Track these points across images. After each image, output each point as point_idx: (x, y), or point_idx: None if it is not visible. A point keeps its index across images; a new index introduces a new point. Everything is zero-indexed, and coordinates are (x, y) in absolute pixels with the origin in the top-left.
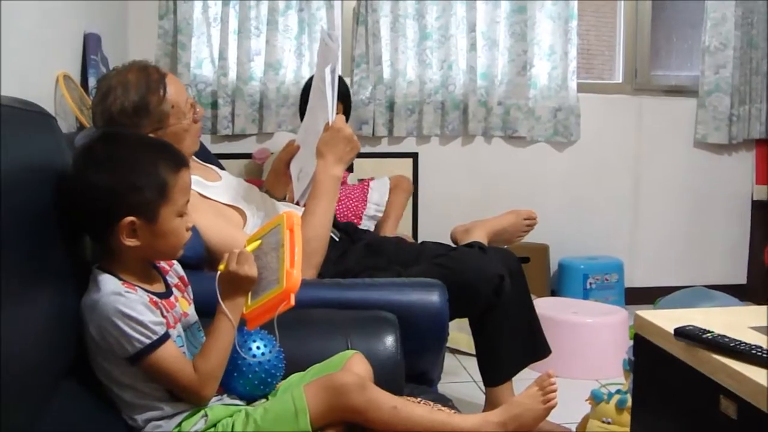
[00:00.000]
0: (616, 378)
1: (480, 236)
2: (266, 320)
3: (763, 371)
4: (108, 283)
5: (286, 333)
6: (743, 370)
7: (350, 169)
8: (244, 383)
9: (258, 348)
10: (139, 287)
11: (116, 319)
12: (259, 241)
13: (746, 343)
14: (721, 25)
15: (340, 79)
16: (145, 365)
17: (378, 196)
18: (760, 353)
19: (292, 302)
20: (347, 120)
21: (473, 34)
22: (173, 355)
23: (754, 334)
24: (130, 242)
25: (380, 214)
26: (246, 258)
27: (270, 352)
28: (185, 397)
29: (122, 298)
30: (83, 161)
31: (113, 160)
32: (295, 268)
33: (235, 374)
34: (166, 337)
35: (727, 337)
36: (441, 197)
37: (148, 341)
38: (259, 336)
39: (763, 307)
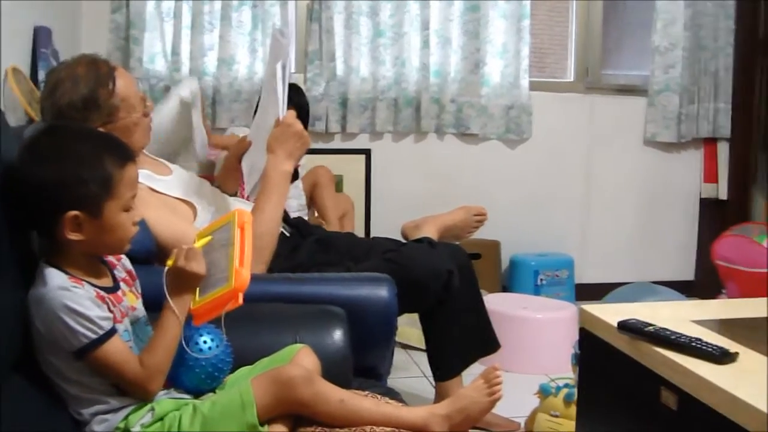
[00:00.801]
0: (565, 372)
1: (430, 232)
2: (213, 317)
3: (703, 363)
4: (54, 277)
5: (234, 327)
6: (684, 362)
7: (296, 175)
8: (191, 377)
9: (205, 342)
10: (86, 282)
11: (62, 314)
12: (209, 237)
13: (687, 336)
14: (671, 26)
15: (300, 90)
16: (91, 360)
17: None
18: (700, 345)
19: (240, 301)
20: (305, 126)
21: (426, 32)
22: (119, 349)
23: (696, 327)
24: (75, 236)
25: (304, 210)
26: (194, 254)
27: (217, 346)
28: (132, 391)
29: (68, 293)
30: (28, 154)
31: (58, 153)
32: (244, 267)
33: (182, 368)
34: (112, 332)
35: (669, 330)
36: (393, 193)
37: (94, 336)
38: (207, 330)
39: (706, 301)
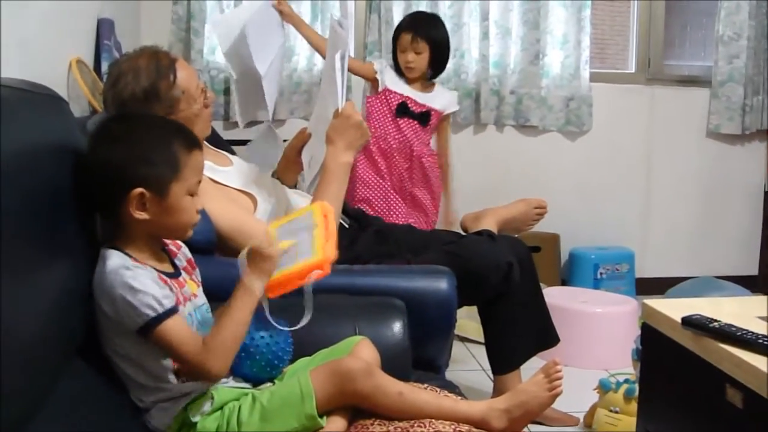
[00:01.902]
0: (625, 368)
1: (490, 224)
2: (295, 287)
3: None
4: (116, 257)
5: (294, 318)
6: (749, 359)
7: None
8: (251, 365)
9: (267, 331)
10: (148, 264)
11: (125, 292)
12: (284, 221)
13: (753, 333)
14: (735, 15)
15: (437, 23)
16: (154, 337)
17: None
18: (766, 342)
19: (328, 270)
20: (444, 61)
21: (486, 23)
22: (181, 327)
23: (761, 323)
24: (140, 215)
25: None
26: (272, 238)
27: (278, 334)
28: (193, 372)
29: (130, 272)
30: (98, 137)
31: (127, 135)
32: (329, 245)
33: (243, 355)
34: (174, 310)
35: (734, 327)
36: (453, 185)
37: (154, 313)
38: (269, 321)
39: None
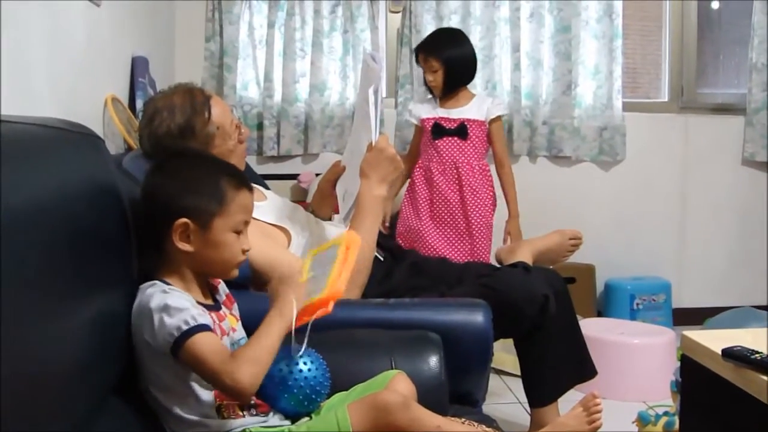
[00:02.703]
0: (663, 400)
1: (525, 256)
2: (302, 323)
3: None
4: (156, 285)
5: (330, 352)
6: None
7: None
8: (288, 398)
9: (305, 364)
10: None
11: (160, 310)
12: (319, 249)
13: None
14: None
15: (455, 38)
16: (184, 354)
17: None
18: None
19: (330, 309)
20: (471, 75)
21: (517, 54)
22: (212, 341)
23: None
24: (183, 246)
25: None
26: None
27: (317, 368)
28: (221, 385)
29: (167, 295)
30: (153, 170)
31: (178, 169)
32: (341, 280)
33: (281, 389)
34: (207, 327)
35: None
36: None
37: (187, 326)
38: (307, 353)
39: None
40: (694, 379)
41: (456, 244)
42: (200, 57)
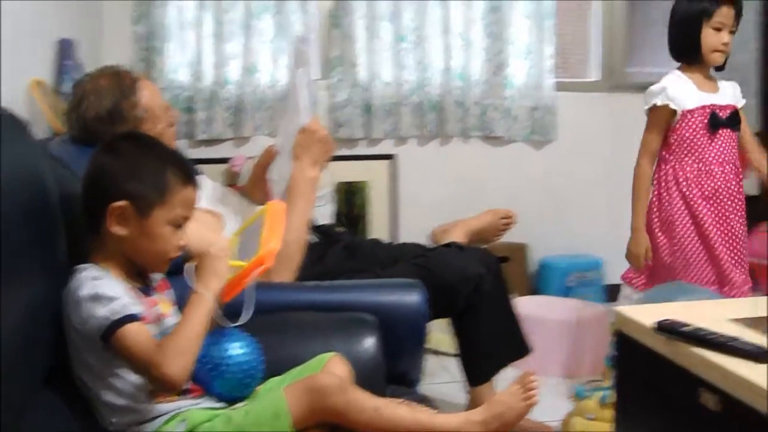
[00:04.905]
0: (598, 374)
1: (458, 236)
2: (242, 287)
3: (743, 362)
4: (87, 269)
5: (264, 336)
6: (723, 362)
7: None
8: (222, 383)
9: (238, 348)
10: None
11: (91, 297)
12: (241, 228)
13: (725, 335)
14: None
15: None
16: (114, 343)
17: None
18: (739, 345)
19: (269, 264)
20: None
21: (448, 35)
22: (142, 332)
23: (733, 326)
24: (118, 229)
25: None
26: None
27: (250, 352)
28: (150, 377)
29: (98, 281)
30: (102, 149)
31: (127, 151)
32: (274, 239)
33: (214, 374)
34: (138, 317)
35: (706, 330)
36: (420, 199)
37: (118, 316)
38: (240, 337)
39: (742, 299)
40: (628, 353)
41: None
42: (128, 39)
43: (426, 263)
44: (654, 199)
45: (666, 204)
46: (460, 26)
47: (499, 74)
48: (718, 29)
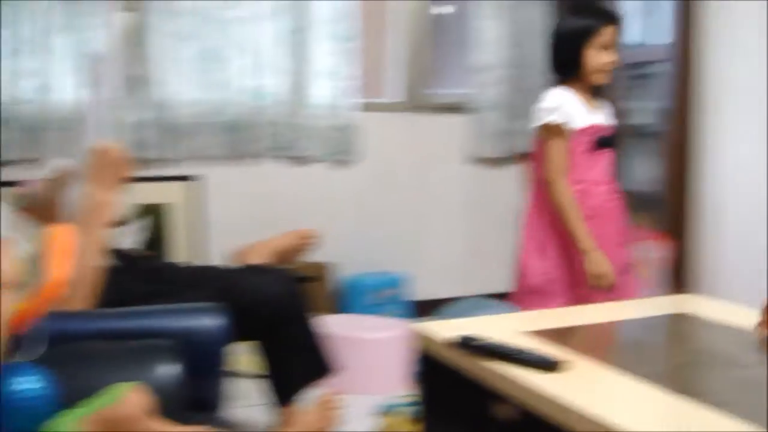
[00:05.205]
0: (405, 390)
1: (260, 257)
2: (29, 321)
3: (535, 373)
4: None
5: (58, 368)
6: (515, 374)
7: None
8: (9, 419)
9: (24, 382)
10: None
11: None
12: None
13: (517, 348)
14: (491, 45)
15: None
16: None
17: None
18: (529, 356)
19: (59, 291)
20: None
21: (252, 54)
22: None
23: (526, 338)
24: None
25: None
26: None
27: (40, 386)
28: None
29: None
30: None
31: None
32: (61, 265)
33: (1, 411)
34: None
35: (499, 343)
36: (222, 220)
37: None
38: (28, 370)
39: (534, 312)
40: (428, 368)
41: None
42: None
43: (226, 286)
44: (529, 220)
45: (541, 227)
46: (263, 46)
47: (302, 94)
48: (603, 47)
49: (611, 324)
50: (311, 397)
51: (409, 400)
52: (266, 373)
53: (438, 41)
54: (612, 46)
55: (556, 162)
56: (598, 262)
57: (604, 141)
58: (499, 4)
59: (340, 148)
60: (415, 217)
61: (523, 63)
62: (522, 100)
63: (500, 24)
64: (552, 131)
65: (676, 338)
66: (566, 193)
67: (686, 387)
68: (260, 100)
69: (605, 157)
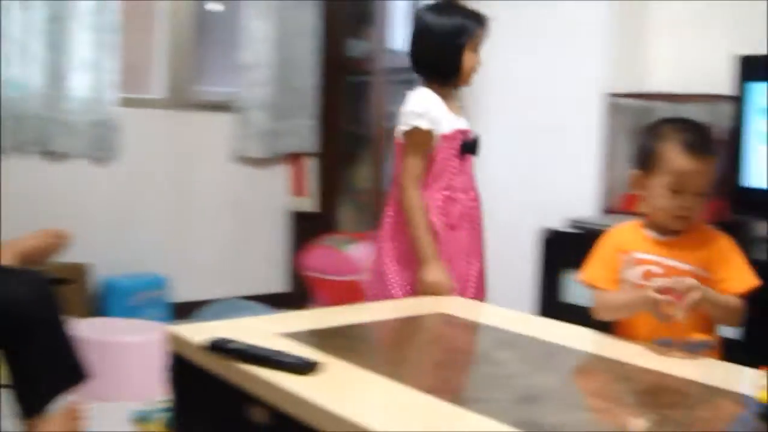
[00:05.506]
0: (161, 397)
1: (7, 259)
2: None
3: (288, 376)
4: None
5: None
6: (269, 376)
7: None
8: None
9: None
10: None
11: None
12: None
13: (271, 350)
14: (258, 44)
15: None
16: None
17: None
18: (283, 358)
19: None
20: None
21: (4, 41)
22: None
23: (283, 340)
24: None
25: None
26: None
27: None
28: None
29: None
30: None
31: None
32: None
33: None
34: None
35: (254, 346)
36: None
37: None
38: None
39: (292, 313)
40: (182, 373)
41: None
42: None
43: None
44: (390, 229)
45: (403, 236)
46: (17, 33)
47: (59, 87)
48: (475, 50)
49: (370, 325)
50: (61, 406)
51: (165, 406)
52: (13, 381)
53: (208, 39)
54: (479, 48)
55: (410, 169)
56: (434, 271)
57: (468, 146)
58: (267, 4)
59: (99, 145)
60: (177, 217)
61: (290, 63)
62: (289, 101)
63: (268, 24)
64: (415, 137)
65: (432, 338)
66: (416, 200)
67: (439, 386)
68: (13, 91)
69: (469, 164)
